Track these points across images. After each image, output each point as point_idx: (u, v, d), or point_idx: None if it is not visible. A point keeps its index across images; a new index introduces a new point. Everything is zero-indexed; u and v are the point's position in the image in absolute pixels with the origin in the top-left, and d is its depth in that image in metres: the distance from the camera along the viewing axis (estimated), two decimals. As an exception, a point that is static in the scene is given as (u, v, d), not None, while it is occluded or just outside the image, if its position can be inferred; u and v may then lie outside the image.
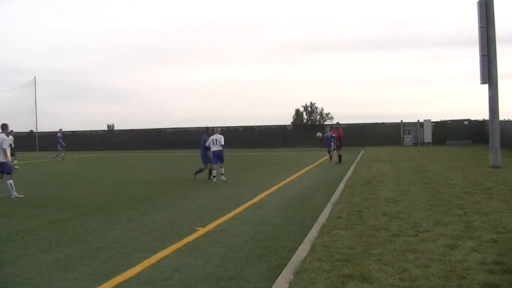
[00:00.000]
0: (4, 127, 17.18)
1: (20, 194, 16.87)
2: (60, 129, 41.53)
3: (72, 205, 15.26)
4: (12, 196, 16.69)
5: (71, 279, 7.42)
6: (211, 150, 21.08)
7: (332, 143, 30.09)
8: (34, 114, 68.92)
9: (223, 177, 20.73)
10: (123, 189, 19.78)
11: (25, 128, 70.69)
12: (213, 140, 21.10)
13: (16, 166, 30.68)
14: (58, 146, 40.26)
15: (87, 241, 10.12)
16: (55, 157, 40.48)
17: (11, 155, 31.25)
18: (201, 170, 21.89)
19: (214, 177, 20.69)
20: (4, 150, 16.83)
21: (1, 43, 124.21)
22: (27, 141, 65.78)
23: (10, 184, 16.83)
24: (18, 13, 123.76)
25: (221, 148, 20.94)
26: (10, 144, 31.62)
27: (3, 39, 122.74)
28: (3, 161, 16.87)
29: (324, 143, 30.90)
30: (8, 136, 17.09)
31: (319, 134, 31.29)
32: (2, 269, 8.08)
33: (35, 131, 68.58)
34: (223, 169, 20.90)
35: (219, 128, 21.86)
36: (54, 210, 14.37)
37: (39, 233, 11.08)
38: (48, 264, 8.32)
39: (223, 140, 21.13)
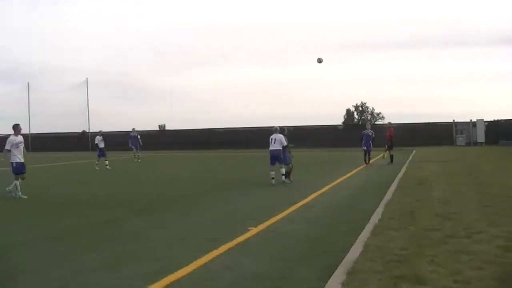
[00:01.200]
0: (15, 127, 17.52)
1: (11, 196, 17.03)
2: (133, 129, 41.17)
3: (121, 204, 15.65)
4: (10, 194, 17.01)
5: (123, 277, 7.52)
6: (269, 149, 20.22)
7: (370, 142, 29.62)
8: (86, 114, 70.37)
9: (284, 178, 19.81)
10: (174, 188, 20.10)
11: (77, 129, 72.26)
12: (272, 139, 20.20)
13: (96, 167, 31.23)
14: (132, 145, 39.89)
15: (137, 240, 10.27)
16: (135, 157, 39.77)
17: (102, 155, 32.05)
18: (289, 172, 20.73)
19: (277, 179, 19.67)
20: (8, 151, 17.12)
21: (53, 45, 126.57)
22: (79, 141, 67.23)
23: (16, 184, 17.09)
24: (68, 15, 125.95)
25: (280, 148, 19.94)
26: (97, 144, 32.47)
27: (55, 41, 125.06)
28: (21, 161, 17.20)
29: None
30: (17, 136, 17.26)
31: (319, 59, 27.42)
32: (52, 268, 8.21)
33: (87, 131, 69.83)
34: (284, 169, 19.95)
35: (278, 128, 20.85)
36: (102, 210, 14.66)
37: (87, 232, 11.32)
38: (97, 263, 8.44)
39: (283, 139, 20.18)
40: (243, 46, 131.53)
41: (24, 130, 63.11)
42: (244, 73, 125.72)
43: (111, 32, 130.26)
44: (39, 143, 67.38)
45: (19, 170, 17.01)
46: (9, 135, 17.40)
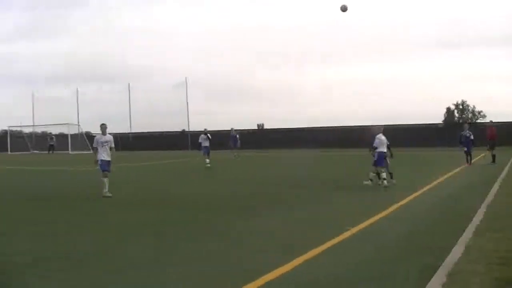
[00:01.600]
0: (101, 127, 18.21)
1: (109, 194, 17.33)
2: (232, 128, 41.30)
3: (214, 202, 16.00)
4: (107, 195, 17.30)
5: (216, 276, 7.57)
6: (379, 151, 18.85)
7: (470, 142, 28.94)
8: (186, 113, 71.76)
9: (386, 182, 18.42)
10: (271, 187, 20.26)
11: (177, 128, 73.87)
12: (382, 140, 19.04)
13: (208, 164, 31.62)
14: (232, 144, 40.41)
15: (233, 239, 10.35)
16: (235, 156, 40.18)
17: (206, 154, 32.48)
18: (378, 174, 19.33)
19: (384, 179, 18.34)
20: (96, 149, 17.98)
21: (153, 46, 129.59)
22: (179, 140, 68.68)
23: (105, 182, 17.53)
24: (166, 16, 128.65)
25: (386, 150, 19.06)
26: (200, 143, 32.91)
27: (155, 41, 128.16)
28: (105, 159, 17.72)
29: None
30: (104, 135, 17.94)
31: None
32: (134, 265, 8.31)
33: (187, 130, 71.20)
34: (384, 173, 18.58)
35: (381, 127, 19.78)
36: (192, 208, 14.85)
37: (176, 230, 11.42)
38: (188, 260, 8.50)
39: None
40: (341, 44, 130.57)
41: (125, 129, 64.94)
42: (341, 71, 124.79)
43: (210, 31, 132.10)
44: (140, 142, 69.43)
45: (102, 167, 17.67)
46: (110, 134, 18.08)
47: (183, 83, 72.39)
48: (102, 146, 17.73)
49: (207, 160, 31.93)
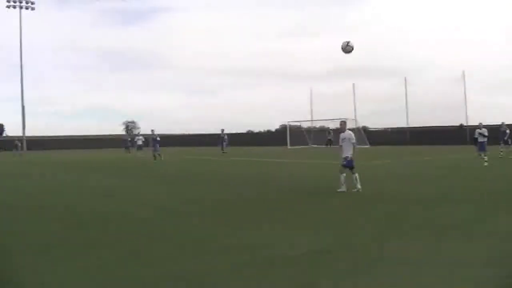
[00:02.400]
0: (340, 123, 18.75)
1: (356, 189, 17.53)
2: (503, 123, 39.02)
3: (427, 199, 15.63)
4: (356, 189, 17.51)
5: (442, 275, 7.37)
6: None
7: None
8: (464, 107, 69.91)
9: None
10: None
11: (455, 122, 72.27)
12: None
13: (485, 163, 30.50)
14: (502, 139, 38.06)
15: (458, 233, 10.22)
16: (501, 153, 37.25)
17: (482, 150, 31.48)
18: None
19: None
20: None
21: (432, 39, 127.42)
22: (457, 135, 67.20)
23: (356, 177, 17.74)
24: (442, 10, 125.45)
25: None
26: (476, 138, 31.99)
27: (430, 35, 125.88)
28: (345, 155, 17.88)
29: None
30: (343, 132, 18.22)
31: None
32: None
33: (465, 124, 69.37)
34: None
35: None
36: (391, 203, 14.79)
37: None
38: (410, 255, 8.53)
39: None
40: None
41: (402, 124, 64.95)
42: None
43: (486, 23, 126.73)
44: (416, 137, 69.30)
45: (346, 164, 17.94)
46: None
47: (461, 76, 70.80)
48: (343, 143, 18.22)
49: (485, 158, 30.22)
